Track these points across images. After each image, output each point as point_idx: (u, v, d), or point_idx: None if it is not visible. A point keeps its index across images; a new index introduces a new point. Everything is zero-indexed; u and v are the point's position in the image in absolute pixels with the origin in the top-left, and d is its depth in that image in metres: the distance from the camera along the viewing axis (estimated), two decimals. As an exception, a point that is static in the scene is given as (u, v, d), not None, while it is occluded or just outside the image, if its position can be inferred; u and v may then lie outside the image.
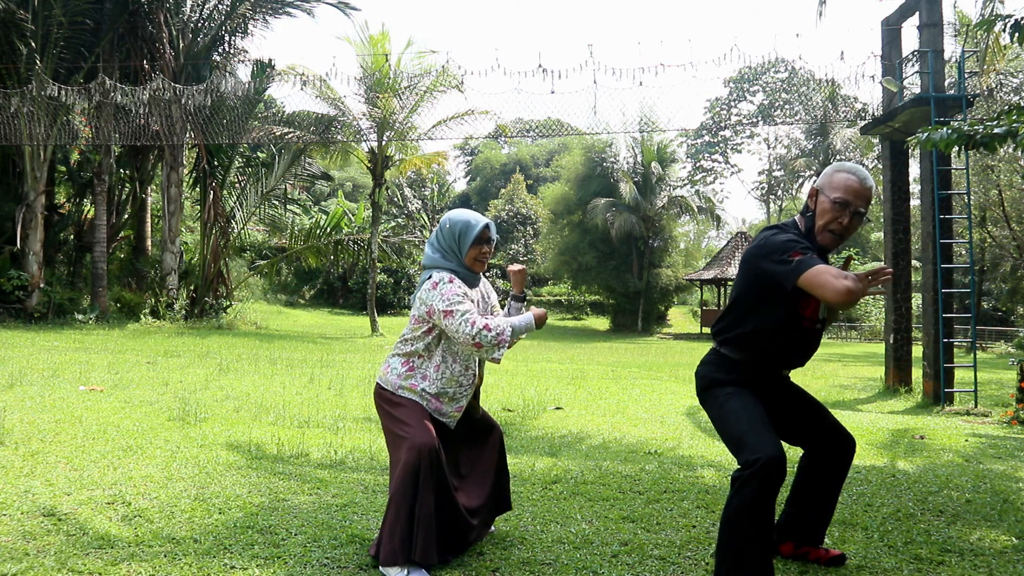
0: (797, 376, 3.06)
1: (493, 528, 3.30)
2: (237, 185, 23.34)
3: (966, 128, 4.14)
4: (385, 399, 2.97)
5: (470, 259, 3.00)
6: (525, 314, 2.98)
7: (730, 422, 2.65)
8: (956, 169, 10.72)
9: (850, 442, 2.89)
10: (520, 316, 2.97)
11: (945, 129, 4.20)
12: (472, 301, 2.98)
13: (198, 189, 22.02)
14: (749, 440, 2.52)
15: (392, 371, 2.99)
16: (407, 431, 2.85)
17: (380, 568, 2.77)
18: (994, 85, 14.79)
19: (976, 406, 9.27)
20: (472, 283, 3.04)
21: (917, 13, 10.68)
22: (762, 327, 2.70)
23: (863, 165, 33.59)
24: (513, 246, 42.02)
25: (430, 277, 2.94)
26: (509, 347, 2.86)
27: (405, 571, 2.72)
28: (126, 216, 22.03)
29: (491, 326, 2.82)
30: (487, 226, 3.03)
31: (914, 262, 14.28)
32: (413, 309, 3.00)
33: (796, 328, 2.70)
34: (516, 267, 3.22)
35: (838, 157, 37.47)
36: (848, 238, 2.71)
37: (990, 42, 11.49)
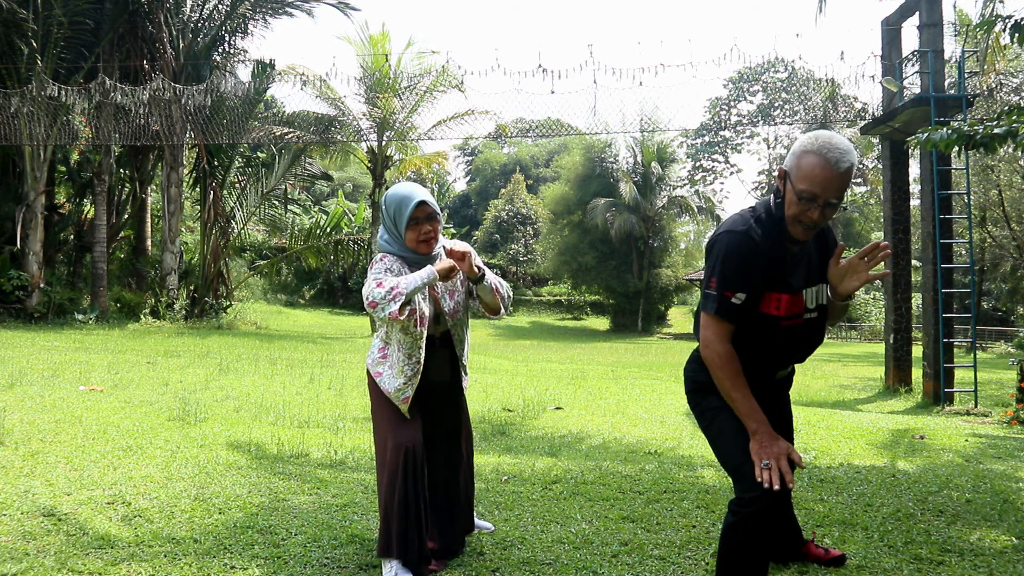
0: (798, 377, 3.03)
1: (493, 527, 3.30)
2: (237, 185, 23.33)
3: (966, 128, 4.15)
4: (372, 381, 2.92)
5: (411, 241, 2.80)
6: (426, 267, 2.74)
7: (721, 444, 2.45)
8: (956, 169, 10.73)
9: None
10: (419, 271, 2.73)
11: (945, 129, 4.21)
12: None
13: (198, 189, 22.02)
14: (748, 471, 2.29)
15: (372, 352, 2.94)
16: (390, 429, 2.82)
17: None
18: (994, 85, 14.78)
19: (976, 406, 9.28)
20: (420, 265, 2.81)
21: (917, 13, 10.70)
22: (737, 328, 2.37)
23: (863, 165, 33.54)
24: (513, 246, 42.03)
25: None
26: (407, 300, 2.62)
27: (393, 570, 2.70)
28: (126, 216, 22.03)
29: (384, 283, 2.64)
30: (421, 203, 2.75)
31: (914, 262, 14.29)
32: None
33: (772, 328, 2.38)
34: (457, 250, 2.82)
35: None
36: (823, 225, 2.34)
37: (990, 42, 11.50)
